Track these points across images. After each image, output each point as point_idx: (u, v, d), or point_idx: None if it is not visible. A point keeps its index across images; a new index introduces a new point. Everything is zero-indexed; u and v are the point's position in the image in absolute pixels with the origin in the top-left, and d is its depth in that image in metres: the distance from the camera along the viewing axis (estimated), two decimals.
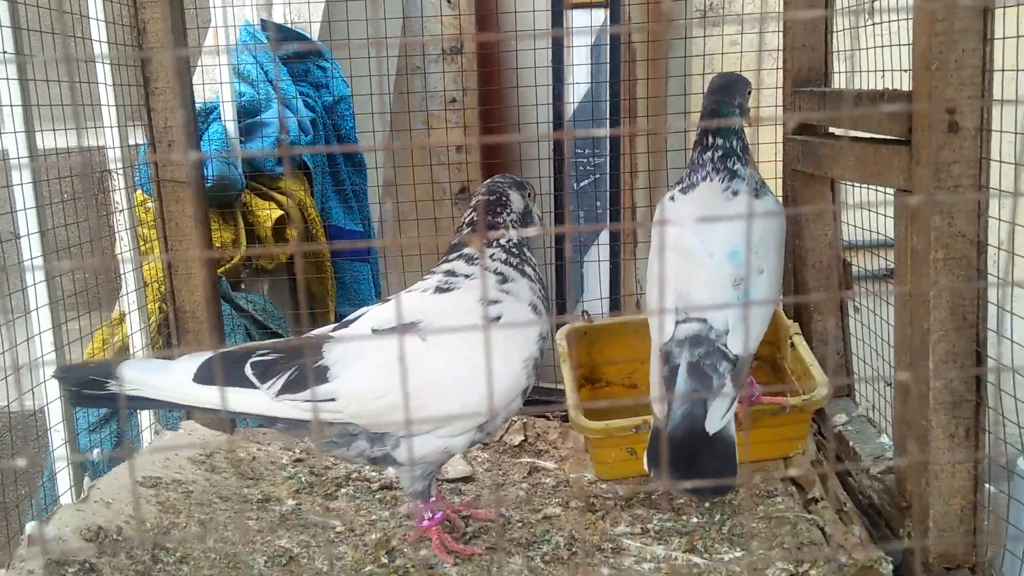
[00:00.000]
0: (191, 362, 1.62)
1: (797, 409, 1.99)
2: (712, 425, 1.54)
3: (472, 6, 4.76)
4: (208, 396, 1.60)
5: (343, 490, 2.06)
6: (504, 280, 1.71)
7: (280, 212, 3.02)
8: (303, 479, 2.08)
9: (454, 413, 1.61)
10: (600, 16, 4.70)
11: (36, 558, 1.53)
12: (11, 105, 1.87)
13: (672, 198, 1.93)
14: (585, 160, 4.76)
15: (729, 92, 1.87)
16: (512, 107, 3.73)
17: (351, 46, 3.29)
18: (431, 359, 1.61)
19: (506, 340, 1.65)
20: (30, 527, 1.58)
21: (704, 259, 1.78)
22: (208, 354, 1.65)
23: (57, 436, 1.98)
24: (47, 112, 2.04)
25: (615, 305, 3.96)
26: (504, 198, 1.81)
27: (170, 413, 2.36)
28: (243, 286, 3.01)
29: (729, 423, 1.61)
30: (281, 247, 3.06)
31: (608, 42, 4.58)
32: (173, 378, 1.60)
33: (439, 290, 1.69)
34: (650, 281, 1.88)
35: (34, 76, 1.92)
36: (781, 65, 2.28)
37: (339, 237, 3.43)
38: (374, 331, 1.64)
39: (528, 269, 1.76)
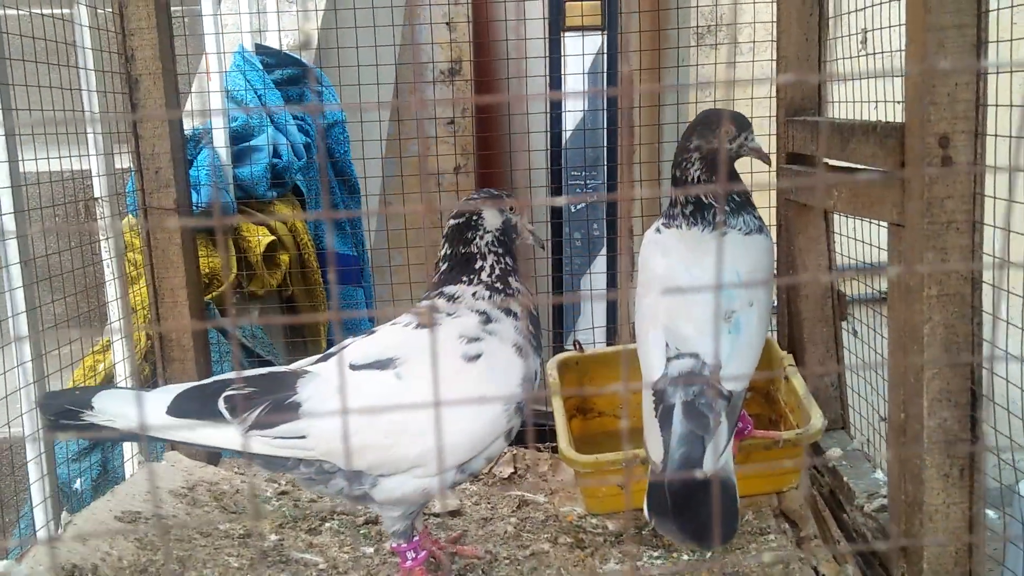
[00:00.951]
0: (166, 394, 1.59)
1: (791, 443, 1.95)
2: (708, 465, 1.50)
3: (470, 32, 4.77)
4: (181, 430, 1.57)
5: (327, 524, 2.02)
6: (487, 320, 1.64)
7: (271, 237, 2.99)
8: (287, 513, 2.04)
9: (426, 453, 1.56)
10: (597, 42, 4.71)
11: None
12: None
13: (658, 230, 1.89)
14: (582, 184, 4.75)
15: (687, 136, 1.79)
16: (510, 134, 3.71)
17: (345, 71, 3.27)
18: (406, 398, 1.57)
19: (486, 382, 1.60)
20: (3, 566, 1.54)
21: (692, 293, 1.75)
22: (184, 386, 1.62)
23: (35, 468, 1.94)
24: (30, 137, 2.02)
25: (611, 334, 3.92)
26: (475, 219, 1.69)
27: (152, 444, 2.32)
28: (232, 312, 2.98)
29: (727, 462, 1.57)
30: (272, 273, 3.03)
31: (604, 69, 4.59)
32: (147, 410, 1.57)
33: (420, 326, 1.65)
34: (640, 316, 1.84)
35: (15, 104, 1.91)
36: (774, 94, 2.27)
37: (333, 261, 3.40)
38: (352, 367, 1.60)
39: (514, 304, 1.68)
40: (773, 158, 2.30)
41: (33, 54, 2.04)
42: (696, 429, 1.54)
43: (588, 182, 4.79)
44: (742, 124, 1.76)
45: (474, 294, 1.67)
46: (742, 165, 1.96)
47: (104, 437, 1.76)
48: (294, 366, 1.67)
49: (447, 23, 5.21)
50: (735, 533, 1.70)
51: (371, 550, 1.91)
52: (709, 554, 1.87)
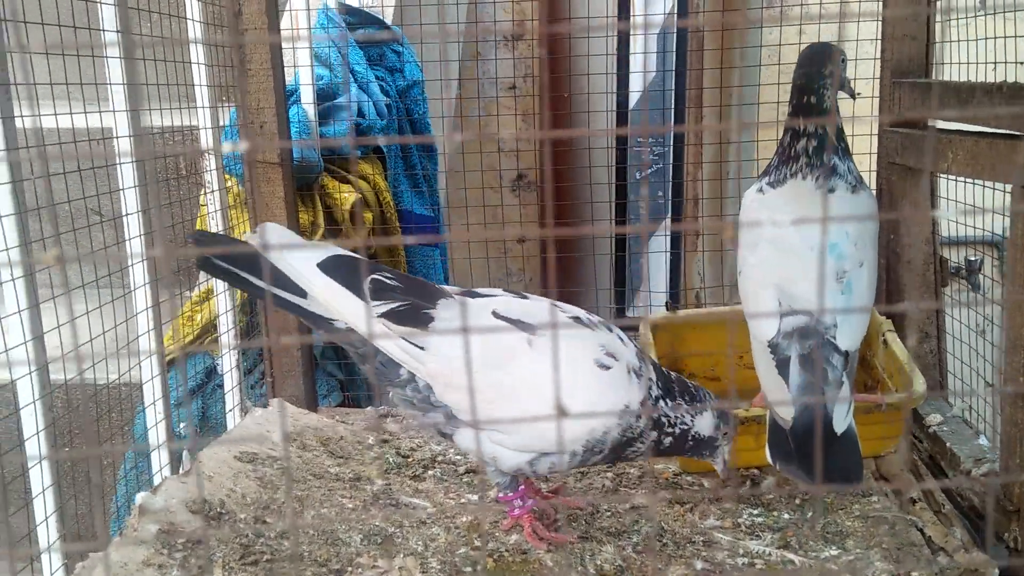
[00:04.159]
0: (320, 250, 1.61)
1: (893, 407, 1.95)
2: (839, 424, 1.52)
3: None
4: (321, 284, 1.57)
5: (430, 472, 2.07)
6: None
7: (357, 195, 3.04)
8: (390, 460, 2.10)
9: (517, 418, 1.58)
10: (668, 3, 4.64)
11: (147, 527, 1.57)
12: (120, 84, 1.89)
13: (761, 190, 1.89)
14: (649, 149, 4.71)
15: (819, 63, 1.76)
16: (574, 95, 3.69)
17: (422, 31, 3.29)
18: (525, 363, 1.59)
19: (603, 392, 1.61)
20: (140, 497, 1.62)
21: (805, 253, 1.75)
22: (340, 251, 1.62)
23: (150, 413, 2.02)
24: (150, 91, 2.07)
25: (675, 299, 3.92)
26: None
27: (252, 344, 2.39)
28: None
29: (850, 419, 1.58)
30: (358, 230, 3.08)
31: (675, 30, 4.53)
32: (302, 253, 1.59)
33: (577, 319, 1.67)
34: (746, 276, 1.84)
35: (143, 55, 1.95)
36: (879, 55, 2.23)
37: (410, 221, 3.45)
38: (495, 313, 1.63)
39: (655, 391, 1.67)
40: (876, 122, 2.28)
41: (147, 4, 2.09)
42: (814, 379, 1.55)
43: (653, 148, 4.76)
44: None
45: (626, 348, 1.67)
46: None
47: (244, 288, 1.75)
48: (442, 287, 1.69)
49: None
50: (862, 477, 1.69)
51: (475, 497, 1.96)
52: (810, 513, 1.89)
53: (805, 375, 1.56)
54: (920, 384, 1.95)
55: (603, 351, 1.62)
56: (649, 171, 4.73)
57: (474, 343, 1.60)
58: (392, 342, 1.58)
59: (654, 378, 1.66)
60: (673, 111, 4.45)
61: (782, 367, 1.59)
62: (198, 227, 2.75)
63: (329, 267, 1.58)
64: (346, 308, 1.58)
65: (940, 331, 2.18)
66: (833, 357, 1.57)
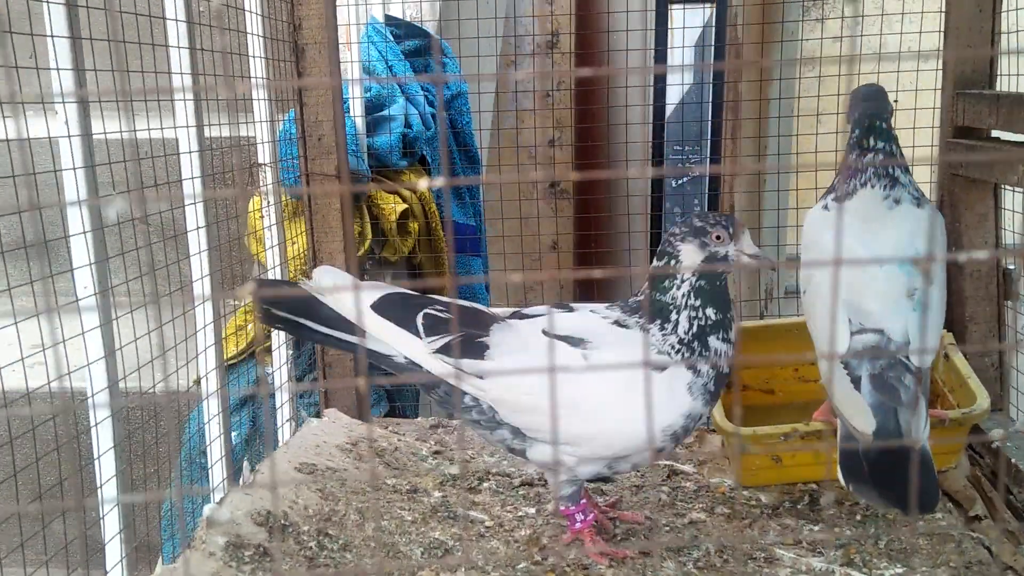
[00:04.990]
0: (375, 291, 1.66)
1: (956, 422, 1.92)
2: (924, 444, 1.50)
3: (572, 5, 4.75)
4: (378, 327, 1.62)
5: (485, 484, 2.07)
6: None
7: (404, 206, 3.06)
8: (445, 471, 2.11)
9: (581, 436, 1.61)
10: (706, 14, 4.63)
11: (215, 539, 1.58)
12: (183, 99, 1.92)
13: (826, 207, 1.88)
14: (684, 159, 4.70)
15: (883, 99, 1.86)
16: (609, 107, 3.69)
17: (465, 43, 3.30)
18: (583, 379, 1.60)
19: (657, 399, 1.61)
20: (208, 509, 1.64)
21: (874, 269, 1.73)
22: (392, 288, 1.67)
23: (215, 425, 2.04)
24: (211, 103, 2.09)
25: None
26: (671, 258, 1.62)
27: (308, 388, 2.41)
28: (366, 277, 3.06)
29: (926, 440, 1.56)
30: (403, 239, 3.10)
31: (713, 42, 4.51)
32: (361, 297, 1.63)
33: (617, 323, 1.67)
34: (813, 293, 1.83)
35: (204, 68, 1.98)
36: (940, 66, 2.21)
37: (454, 231, 3.46)
38: (544, 332, 1.64)
39: (702, 365, 1.61)
40: (939, 132, 2.26)
41: (201, 17, 2.12)
42: (887, 400, 1.53)
43: (690, 157, 4.74)
44: None
45: (664, 339, 1.63)
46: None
47: (304, 335, 1.81)
48: (491, 310, 1.71)
49: None
50: (937, 502, 1.67)
51: (533, 510, 1.96)
52: (872, 528, 1.87)
53: (877, 395, 1.54)
54: (984, 399, 1.93)
55: (653, 352, 1.62)
56: (684, 180, 4.72)
57: (532, 363, 1.61)
58: (452, 374, 1.61)
59: (680, 332, 1.62)
60: (710, 124, 4.43)
61: (853, 387, 1.57)
62: (248, 230, 2.78)
63: (383, 307, 1.63)
64: (404, 347, 1.62)
65: (1002, 344, 2.15)
66: (905, 377, 1.55)
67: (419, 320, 1.61)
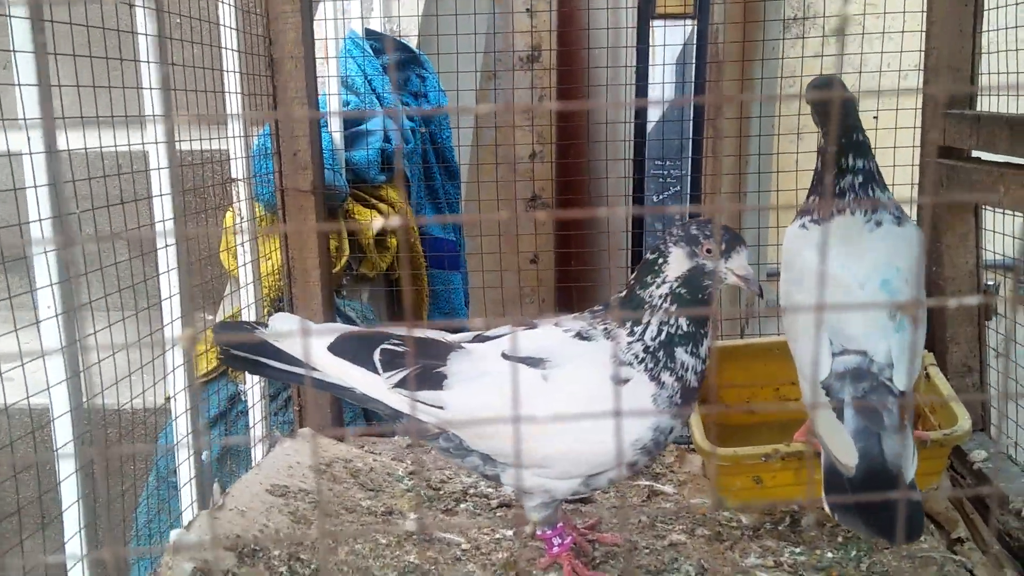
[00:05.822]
0: (330, 333, 1.66)
1: (937, 443, 1.91)
2: (910, 473, 1.47)
3: (552, 20, 4.75)
4: (335, 367, 1.61)
5: (462, 505, 2.04)
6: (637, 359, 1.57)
7: (383, 221, 3.02)
8: (421, 492, 2.06)
9: (551, 457, 1.58)
10: (687, 31, 4.64)
11: (182, 565, 1.53)
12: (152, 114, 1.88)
13: (804, 226, 1.86)
14: (666, 173, 4.70)
15: (851, 108, 1.76)
16: (589, 124, 3.68)
17: (444, 59, 3.28)
18: (545, 400, 1.57)
19: (630, 399, 1.57)
20: (175, 534, 1.59)
21: (855, 290, 1.71)
22: (347, 328, 1.68)
23: (184, 447, 1.99)
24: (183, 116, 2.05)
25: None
26: (661, 256, 1.56)
27: (283, 408, 2.36)
28: (344, 293, 3.02)
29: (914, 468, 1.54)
30: (382, 255, 3.06)
31: (694, 59, 4.52)
32: (311, 342, 1.62)
33: (579, 335, 1.62)
34: (791, 313, 1.81)
35: (173, 85, 1.94)
36: (920, 85, 2.21)
37: (433, 246, 3.43)
38: (503, 355, 1.61)
39: (666, 377, 1.55)
40: (918, 151, 2.25)
41: (180, 33, 2.08)
42: (871, 425, 1.51)
43: (671, 172, 4.74)
44: None
45: (629, 347, 1.56)
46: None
47: (265, 374, 1.82)
48: (451, 338, 1.69)
49: (527, 10, 5.19)
50: (922, 530, 1.65)
51: (510, 532, 1.92)
52: (854, 551, 1.85)
53: (860, 420, 1.51)
54: (965, 419, 1.91)
55: (615, 363, 1.57)
56: (666, 195, 4.72)
57: (491, 389, 1.59)
58: (412, 407, 1.58)
59: (647, 339, 1.56)
60: (691, 141, 4.44)
61: (836, 412, 1.55)
62: (221, 246, 2.74)
63: (340, 347, 1.61)
64: (364, 386, 1.61)
65: (983, 365, 2.14)
66: (888, 400, 1.53)
67: (376, 356, 1.60)
